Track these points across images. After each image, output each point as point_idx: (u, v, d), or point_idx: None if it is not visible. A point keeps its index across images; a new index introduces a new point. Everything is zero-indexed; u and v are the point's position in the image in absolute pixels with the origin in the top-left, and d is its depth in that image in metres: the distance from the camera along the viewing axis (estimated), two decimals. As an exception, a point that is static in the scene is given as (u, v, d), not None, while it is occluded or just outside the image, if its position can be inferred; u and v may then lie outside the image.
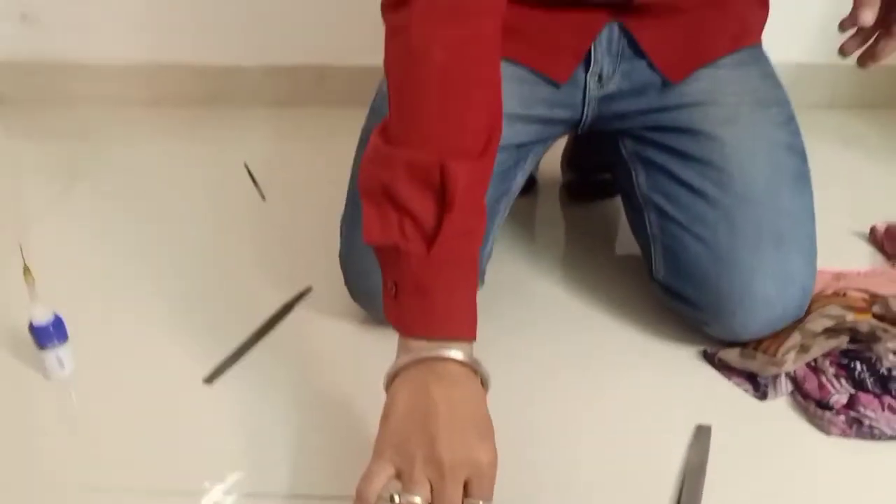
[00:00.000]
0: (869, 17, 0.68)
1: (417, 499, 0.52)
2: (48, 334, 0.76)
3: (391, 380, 0.58)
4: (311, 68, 1.41)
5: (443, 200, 0.58)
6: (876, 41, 0.73)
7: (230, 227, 1.06)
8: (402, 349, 0.59)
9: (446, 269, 0.59)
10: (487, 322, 0.84)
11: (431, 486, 0.53)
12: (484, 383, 0.59)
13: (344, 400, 0.76)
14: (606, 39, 0.81)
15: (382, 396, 0.58)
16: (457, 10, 0.61)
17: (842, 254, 0.96)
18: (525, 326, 0.87)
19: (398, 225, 0.59)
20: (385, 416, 0.56)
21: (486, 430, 0.56)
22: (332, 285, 0.87)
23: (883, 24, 0.72)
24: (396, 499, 0.52)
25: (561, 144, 1.14)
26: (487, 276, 0.87)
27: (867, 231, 1.02)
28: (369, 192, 0.61)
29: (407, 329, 0.59)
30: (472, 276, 0.61)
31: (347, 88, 1.38)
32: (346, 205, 0.84)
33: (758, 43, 0.87)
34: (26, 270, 0.74)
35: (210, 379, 0.78)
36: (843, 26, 0.72)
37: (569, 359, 0.82)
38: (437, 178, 0.58)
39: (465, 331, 0.59)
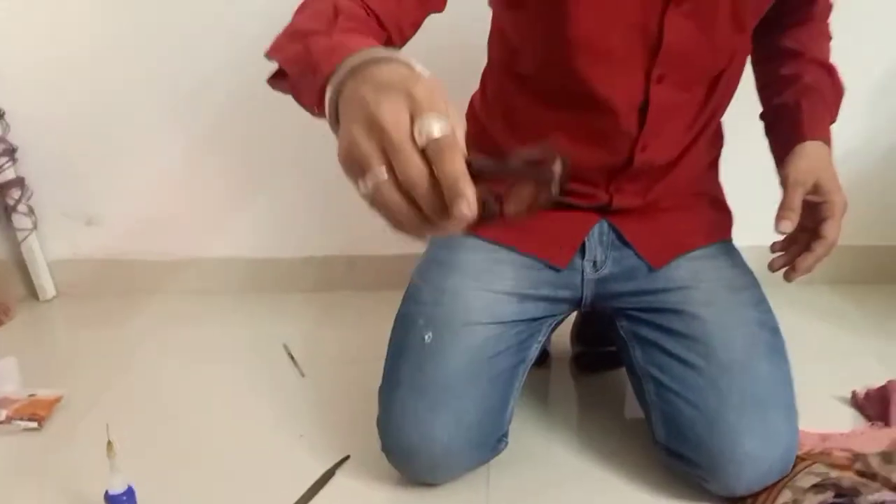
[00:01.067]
0: (786, 226, 0.84)
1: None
2: (122, 503, 0.87)
3: (334, 105, 0.56)
4: (342, 258, 1.58)
5: (332, 15, 0.69)
6: (800, 252, 0.87)
7: (273, 402, 1.17)
8: (329, 85, 0.57)
9: (350, 35, 0.65)
10: (509, 485, 0.95)
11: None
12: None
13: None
14: (598, 233, 0.97)
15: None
16: None
17: (827, 416, 1.06)
18: (545, 489, 0.96)
19: (303, 40, 0.66)
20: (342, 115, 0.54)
21: (425, 79, 0.52)
22: (369, 453, 0.98)
23: (809, 238, 0.87)
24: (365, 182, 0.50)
25: (570, 321, 1.27)
26: (510, 440, 0.98)
27: (849, 395, 1.13)
28: (277, 47, 0.71)
29: (319, 68, 0.59)
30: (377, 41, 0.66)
31: (375, 275, 1.55)
32: (383, 377, 0.96)
33: (727, 239, 1.02)
34: (109, 445, 0.85)
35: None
36: (773, 249, 0.89)
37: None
38: (326, 9, 0.70)
39: (372, 41, 0.61)
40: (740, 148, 1.05)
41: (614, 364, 1.22)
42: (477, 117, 1.02)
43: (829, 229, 0.87)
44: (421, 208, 0.49)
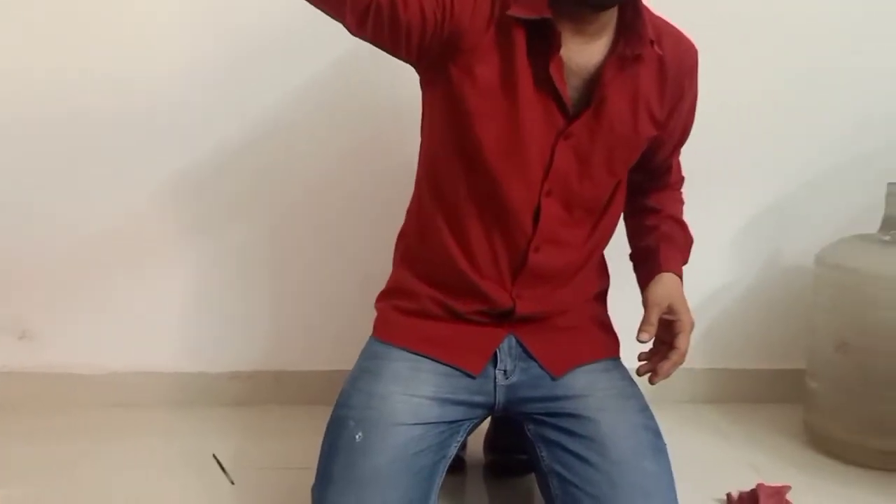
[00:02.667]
0: (645, 337, 1.07)
1: None
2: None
3: None
4: (269, 373, 1.67)
5: None
6: (660, 361, 1.10)
7: (204, 506, 1.24)
8: None
9: None
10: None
11: None
12: None
13: None
14: (507, 345, 1.13)
15: None
16: None
17: (706, 514, 1.22)
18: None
19: None
20: None
21: None
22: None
23: (667, 347, 1.10)
24: None
25: (483, 433, 1.40)
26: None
27: (725, 497, 1.29)
28: None
29: None
30: None
31: (301, 390, 1.65)
32: (317, 475, 1.06)
33: (616, 356, 1.21)
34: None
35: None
36: (639, 358, 1.12)
37: None
38: None
39: None
40: (625, 288, 1.25)
41: (523, 471, 1.35)
42: (406, 236, 1.19)
43: (680, 341, 1.10)
44: None
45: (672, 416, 1.18)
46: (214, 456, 1.40)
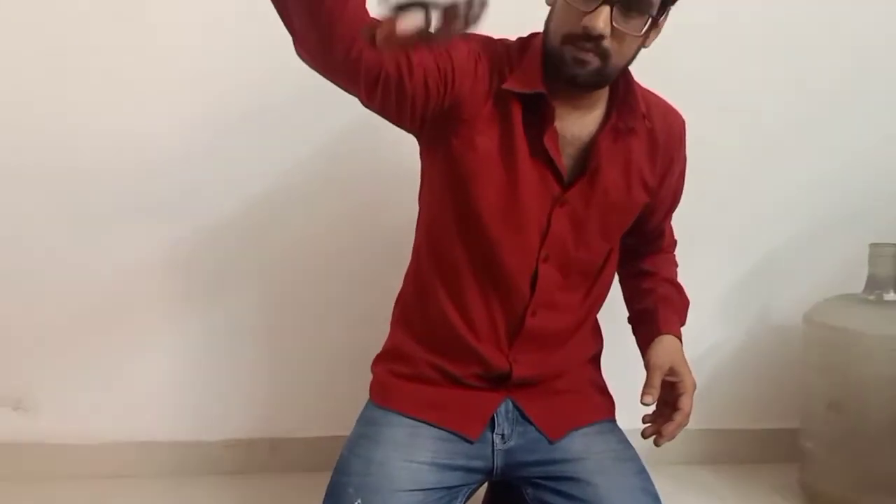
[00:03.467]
0: (648, 399, 1.09)
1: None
2: None
3: None
4: (264, 441, 1.67)
5: None
6: (664, 423, 1.12)
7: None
8: None
9: None
10: None
11: None
12: None
13: None
14: (504, 410, 1.15)
15: None
16: None
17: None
18: None
19: None
20: None
21: None
22: None
23: (669, 412, 1.12)
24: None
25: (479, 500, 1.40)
26: None
27: (723, 558, 1.29)
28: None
29: None
30: None
31: (298, 457, 1.64)
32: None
33: (612, 418, 1.22)
34: None
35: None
36: (643, 420, 1.14)
37: None
38: None
39: None
40: (619, 351, 1.28)
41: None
42: (403, 299, 1.22)
43: (684, 402, 1.12)
44: None
45: (667, 478, 1.19)
46: (210, 526, 1.39)
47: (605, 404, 1.22)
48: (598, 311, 1.23)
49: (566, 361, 1.18)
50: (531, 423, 1.15)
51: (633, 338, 1.26)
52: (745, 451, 1.73)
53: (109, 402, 1.64)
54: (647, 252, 1.29)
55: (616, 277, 1.27)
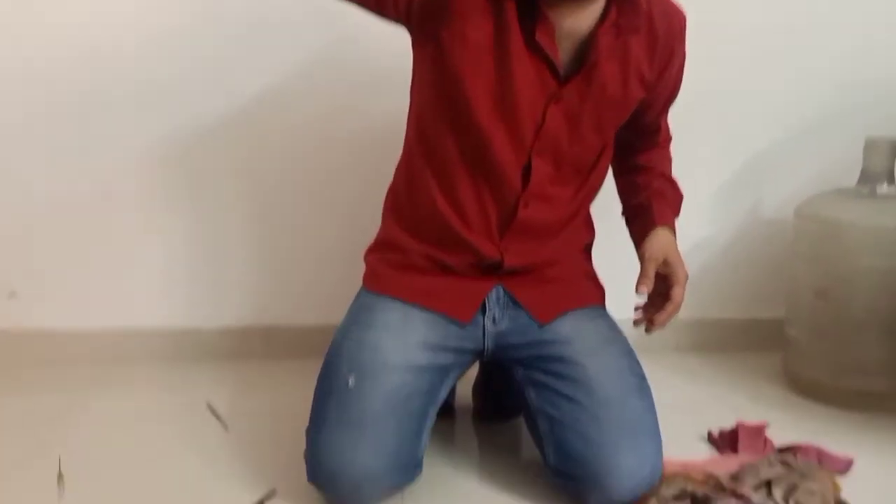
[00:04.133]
0: (643, 290, 1.11)
1: None
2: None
3: None
4: (258, 329, 1.69)
5: None
6: (655, 312, 1.15)
7: (200, 452, 1.26)
8: None
9: None
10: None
11: None
12: None
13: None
14: (495, 295, 1.16)
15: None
16: None
17: (688, 449, 1.25)
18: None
19: None
20: None
21: None
22: (294, 488, 1.10)
23: (661, 302, 1.14)
24: None
25: (472, 380, 1.44)
26: (424, 469, 1.11)
27: (705, 435, 1.33)
28: None
29: None
30: None
31: (291, 346, 1.68)
32: (311, 418, 1.09)
33: (601, 304, 1.24)
34: (60, 477, 0.93)
35: None
36: (635, 309, 1.16)
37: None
38: None
39: None
40: (610, 244, 1.29)
41: (510, 416, 1.39)
42: (395, 190, 1.21)
43: (675, 293, 1.15)
44: None
45: (655, 364, 1.22)
46: (208, 404, 1.43)
47: (595, 291, 1.24)
48: (590, 204, 1.23)
49: (557, 251, 1.18)
50: (522, 308, 1.17)
51: (625, 231, 1.26)
52: (733, 339, 1.77)
53: (104, 290, 1.66)
54: (642, 147, 1.28)
55: (610, 172, 1.26)
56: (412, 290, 1.15)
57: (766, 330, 1.74)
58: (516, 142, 1.09)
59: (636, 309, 1.17)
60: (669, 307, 1.14)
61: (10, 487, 1.15)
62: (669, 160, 1.31)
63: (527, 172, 1.10)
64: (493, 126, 1.07)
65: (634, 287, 1.13)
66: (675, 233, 1.21)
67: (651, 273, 1.14)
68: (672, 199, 1.25)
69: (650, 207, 1.22)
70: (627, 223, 1.27)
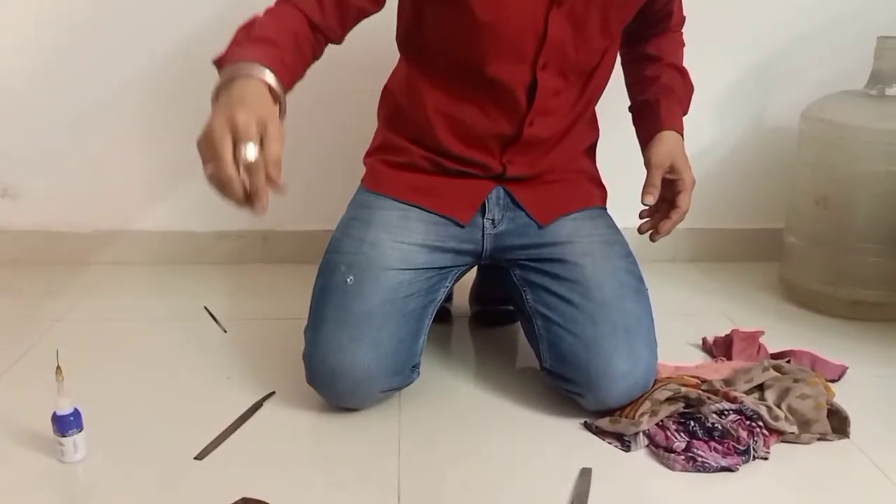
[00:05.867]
0: (649, 199, 1.08)
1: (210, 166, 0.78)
2: (69, 423, 0.95)
3: (215, 97, 0.86)
4: (256, 232, 1.68)
5: (250, 26, 0.95)
6: (661, 219, 1.12)
7: (199, 353, 1.27)
8: (221, 76, 0.87)
9: (254, 41, 0.92)
10: (417, 412, 1.09)
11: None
12: (276, 97, 0.87)
13: (308, 472, 0.97)
14: (495, 196, 1.14)
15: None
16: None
17: (682, 355, 1.26)
18: (449, 413, 1.11)
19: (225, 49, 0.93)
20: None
21: (251, 105, 0.81)
22: (292, 389, 1.11)
23: (667, 207, 1.12)
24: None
25: (469, 286, 1.44)
26: (422, 372, 1.12)
27: (700, 342, 1.34)
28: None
29: (225, 60, 0.89)
30: (273, 50, 0.91)
31: (288, 250, 1.67)
32: (309, 317, 1.09)
33: (602, 205, 1.22)
34: (58, 370, 0.93)
35: (200, 457, 0.98)
36: (641, 216, 1.12)
37: (486, 431, 1.06)
38: (248, 24, 0.95)
39: (260, 56, 0.88)
40: (612, 144, 1.26)
41: (507, 321, 1.39)
42: (393, 97, 1.17)
43: (682, 200, 1.12)
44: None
45: (652, 273, 1.21)
46: (206, 308, 1.43)
47: (596, 192, 1.22)
48: (596, 102, 1.19)
49: (560, 155, 1.16)
50: (522, 209, 1.15)
51: (627, 133, 1.22)
52: (731, 250, 1.76)
53: (100, 192, 1.64)
54: (652, 34, 1.21)
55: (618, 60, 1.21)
56: (411, 190, 1.13)
57: (765, 240, 1.73)
58: (518, 58, 1.04)
59: (641, 215, 1.15)
60: (675, 215, 1.12)
61: (8, 383, 1.17)
62: (681, 45, 1.25)
63: (531, 89, 1.06)
64: (491, 43, 1.02)
65: (640, 196, 1.10)
66: (682, 133, 1.16)
67: (657, 181, 1.10)
68: (681, 93, 1.20)
69: (657, 106, 1.16)
70: (633, 119, 1.22)
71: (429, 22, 1.07)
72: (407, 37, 1.13)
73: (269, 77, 0.87)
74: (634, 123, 1.22)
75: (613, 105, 1.23)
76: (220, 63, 0.91)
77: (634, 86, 1.23)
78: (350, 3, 1.02)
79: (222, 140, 0.77)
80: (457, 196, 1.13)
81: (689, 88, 1.22)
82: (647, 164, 1.13)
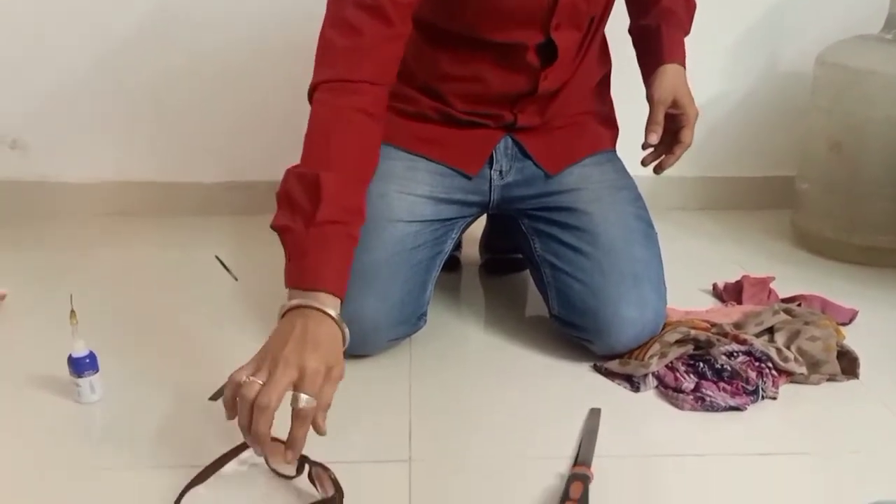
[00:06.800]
0: (653, 138, 1.07)
1: (258, 381, 0.75)
2: (85, 365, 0.96)
3: (280, 317, 0.82)
4: (265, 183, 1.68)
5: (317, 198, 0.85)
6: (663, 155, 1.12)
7: (212, 300, 1.28)
8: (289, 297, 0.84)
9: (319, 242, 0.85)
10: (428, 354, 1.10)
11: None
12: (343, 335, 0.83)
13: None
14: (503, 146, 1.13)
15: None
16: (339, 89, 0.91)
17: (693, 301, 1.26)
18: (458, 356, 1.12)
19: (290, 214, 0.86)
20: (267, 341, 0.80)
21: (324, 350, 0.78)
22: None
23: (671, 141, 1.11)
24: (245, 379, 0.76)
25: (479, 232, 1.44)
26: (428, 322, 1.13)
27: (710, 288, 1.34)
28: (278, 197, 0.89)
29: (290, 281, 0.85)
30: (342, 252, 0.87)
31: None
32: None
33: (611, 149, 1.21)
34: (73, 314, 0.94)
35: (214, 397, 0.99)
36: (643, 147, 1.10)
37: (496, 374, 1.07)
38: (314, 183, 0.85)
39: (331, 285, 0.83)
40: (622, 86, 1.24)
41: (517, 269, 1.39)
42: (412, 44, 1.15)
43: (685, 135, 1.11)
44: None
45: (663, 221, 1.20)
46: (217, 257, 1.44)
47: (606, 134, 1.21)
48: (603, 30, 1.15)
49: (571, 96, 1.14)
50: (530, 159, 1.14)
51: (629, 69, 1.19)
52: (743, 198, 1.75)
53: (107, 143, 1.64)
54: None
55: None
56: (419, 140, 1.13)
57: (777, 188, 1.71)
58: (529, 23, 1.02)
59: (644, 147, 1.12)
60: (679, 149, 1.11)
61: (23, 330, 1.18)
62: None
63: (543, 46, 1.04)
64: (499, 15, 1.00)
65: (644, 133, 1.09)
66: (685, 63, 1.14)
67: (660, 118, 1.09)
68: (682, 15, 1.16)
69: (658, 34, 1.13)
70: (634, 43, 1.19)
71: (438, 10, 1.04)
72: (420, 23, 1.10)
73: (342, 329, 0.83)
74: (635, 47, 1.19)
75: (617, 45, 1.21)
76: (288, 265, 0.86)
77: (633, 5, 1.20)
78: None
79: (282, 377, 0.74)
80: (465, 148, 1.12)
81: (690, 7, 1.18)
82: (650, 100, 1.11)
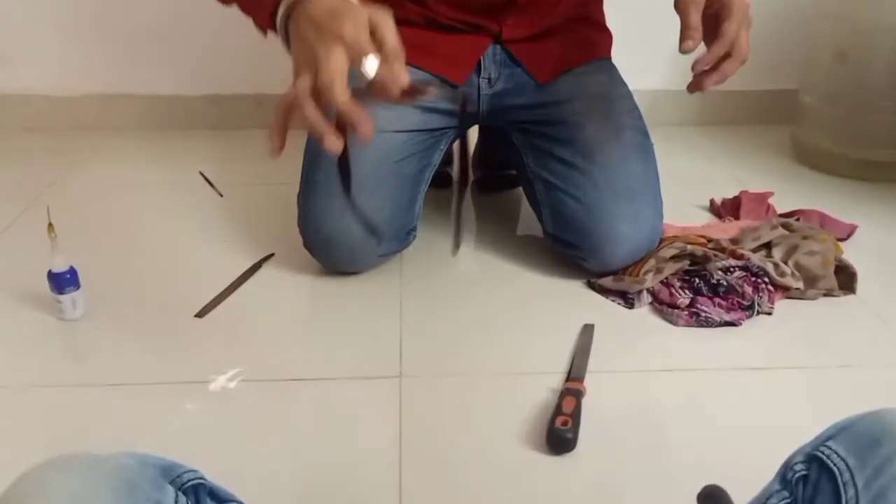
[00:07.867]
0: (690, 45, 0.81)
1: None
2: (66, 281, 0.93)
3: (284, 40, 0.74)
4: (250, 97, 1.62)
5: None
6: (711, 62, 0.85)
7: (196, 217, 1.25)
8: (278, 35, 0.76)
9: None
10: (419, 270, 1.08)
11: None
12: None
13: (309, 330, 0.96)
14: (491, 53, 1.08)
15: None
16: None
17: (690, 217, 1.24)
18: (450, 271, 1.10)
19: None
20: (292, 49, 0.71)
21: (346, 11, 0.67)
22: (291, 251, 1.09)
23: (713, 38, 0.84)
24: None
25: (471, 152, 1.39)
26: (418, 238, 1.10)
27: (707, 203, 1.31)
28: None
29: (262, 18, 0.79)
30: None
31: (283, 113, 1.61)
32: (301, 184, 1.06)
33: (606, 56, 1.15)
34: (50, 227, 0.91)
35: (201, 314, 0.97)
36: (694, 69, 0.87)
37: (488, 291, 1.06)
38: None
39: None
40: None
41: (510, 186, 1.36)
42: None
43: (728, 28, 0.83)
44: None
45: (660, 137, 1.16)
46: (201, 173, 1.40)
47: (599, 40, 1.15)
48: None
49: (558, 9, 1.08)
50: (520, 65, 1.09)
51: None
52: (742, 113, 1.70)
53: (89, 54, 1.58)
54: None
55: None
56: (405, 46, 1.07)
57: (777, 102, 1.66)
58: None
59: (694, 69, 0.85)
60: (736, 54, 0.84)
61: (4, 245, 1.15)
62: None
63: None
64: None
65: (678, 44, 0.81)
66: None
67: (695, 21, 0.81)
68: None
69: None
70: None
71: None
72: None
73: None
74: None
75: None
76: (255, 17, 0.80)
77: None
78: None
79: (329, 55, 0.64)
80: (451, 54, 1.07)
81: None
82: (678, 4, 0.83)
